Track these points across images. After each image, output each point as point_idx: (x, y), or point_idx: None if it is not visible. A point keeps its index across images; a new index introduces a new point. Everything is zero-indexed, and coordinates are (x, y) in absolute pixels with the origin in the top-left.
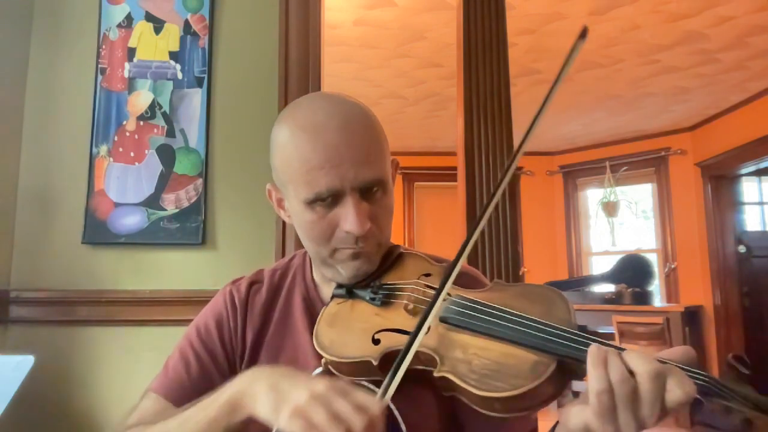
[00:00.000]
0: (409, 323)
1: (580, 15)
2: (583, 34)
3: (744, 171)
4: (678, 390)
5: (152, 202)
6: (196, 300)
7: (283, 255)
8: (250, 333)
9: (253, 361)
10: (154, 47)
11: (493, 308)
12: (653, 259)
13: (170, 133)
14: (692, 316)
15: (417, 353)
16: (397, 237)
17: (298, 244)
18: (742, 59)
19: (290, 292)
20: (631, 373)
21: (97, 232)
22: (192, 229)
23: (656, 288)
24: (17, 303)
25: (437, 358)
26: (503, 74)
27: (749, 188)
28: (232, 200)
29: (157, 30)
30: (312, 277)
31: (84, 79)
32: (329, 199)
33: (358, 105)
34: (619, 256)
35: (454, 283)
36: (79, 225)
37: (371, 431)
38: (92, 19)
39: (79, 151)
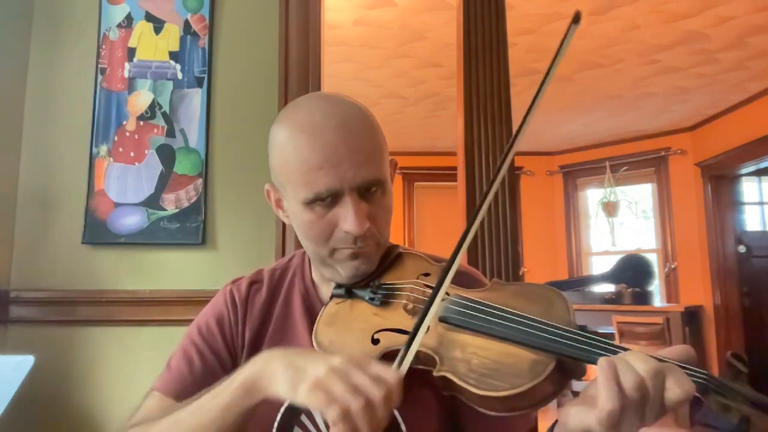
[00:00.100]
0: (408, 323)
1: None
2: (576, 18)
3: (744, 171)
4: (677, 389)
5: (152, 202)
6: (196, 300)
7: (283, 255)
8: (250, 332)
9: None
10: (154, 47)
11: (493, 307)
12: (653, 259)
13: (170, 133)
14: (692, 316)
15: (417, 353)
16: (397, 237)
17: (298, 244)
18: (742, 59)
19: (289, 291)
20: None
21: (97, 232)
22: (192, 229)
23: (656, 288)
24: (17, 303)
25: (437, 358)
26: (503, 74)
27: (749, 188)
28: (232, 200)
29: (157, 30)
30: (311, 277)
31: (84, 79)
32: (328, 200)
33: (357, 105)
34: (619, 256)
35: (454, 282)
36: (79, 225)
37: (389, 401)
38: (92, 19)
39: (79, 151)
